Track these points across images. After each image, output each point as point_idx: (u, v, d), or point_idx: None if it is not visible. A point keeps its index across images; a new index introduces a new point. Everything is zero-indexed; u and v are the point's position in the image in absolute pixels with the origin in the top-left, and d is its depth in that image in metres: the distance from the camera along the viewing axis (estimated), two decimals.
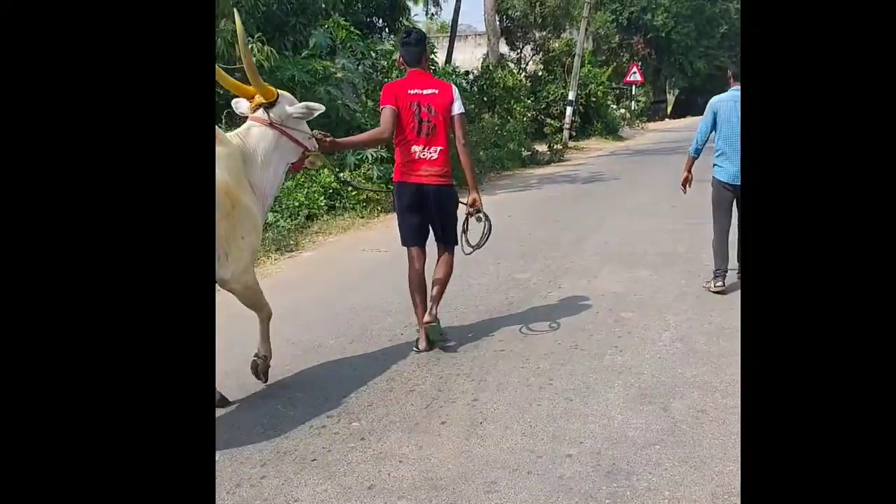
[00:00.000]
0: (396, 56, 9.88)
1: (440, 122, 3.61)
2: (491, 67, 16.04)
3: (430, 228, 3.78)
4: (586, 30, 17.84)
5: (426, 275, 3.82)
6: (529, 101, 16.59)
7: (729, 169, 4.76)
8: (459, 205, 3.83)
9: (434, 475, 2.52)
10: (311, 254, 6.48)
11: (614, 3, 28.50)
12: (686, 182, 5.07)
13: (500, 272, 5.39)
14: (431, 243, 3.86)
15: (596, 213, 7.85)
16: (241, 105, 3.32)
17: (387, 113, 3.57)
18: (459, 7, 17.47)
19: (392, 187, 3.88)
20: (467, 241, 3.86)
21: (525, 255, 5.94)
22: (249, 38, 7.72)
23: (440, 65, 13.38)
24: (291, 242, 6.66)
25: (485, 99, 15.13)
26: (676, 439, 2.72)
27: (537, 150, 14.43)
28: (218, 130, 2.97)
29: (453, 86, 3.78)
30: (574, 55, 17.08)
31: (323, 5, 10.18)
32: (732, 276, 4.95)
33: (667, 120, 30.17)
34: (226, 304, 3.28)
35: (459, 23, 18.61)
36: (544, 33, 18.88)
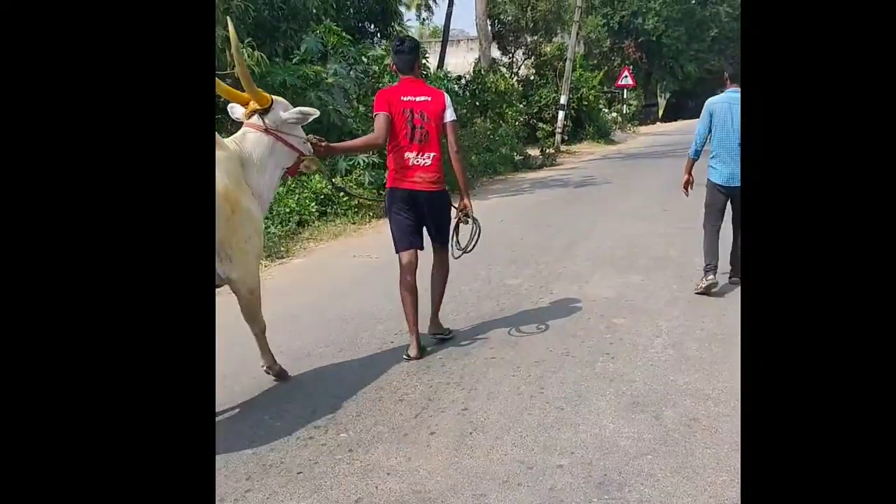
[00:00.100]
0: (388, 61, 9.91)
1: (432, 129, 3.66)
2: (483, 72, 16.04)
3: (425, 231, 3.84)
4: (577, 34, 17.87)
5: (423, 279, 3.86)
6: (521, 106, 16.62)
7: (723, 171, 4.77)
8: (452, 208, 3.90)
9: (422, 488, 2.47)
10: (302, 260, 6.43)
11: (605, 8, 28.60)
12: (687, 184, 5.10)
13: (492, 278, 5.36)
14: (425, 252, 3.89)
15: (588, 218, 7.83)
16: (235, 111, 3.35)
17: (381, 119, 3.61)
18: (451, 12, 17.48)
19: (383, 192, 3.90)
20: (458, 243, 3.92)
21: (517, 260, 5.90)
22: (239, 42, 7.68)
23: (432, 70, 13.34)
24: (282, 249, 6.62)
25: (477, 103, 15.13)
26: (669, 449, 2.69)
27: (529, 155, 14.42)
28: (217, 137, 2.98)
29: (445, 93, 3.82)
30: (566, 59, 17.10)
31: (314, 11, 10.15)
32: (723, 279, 4.95)
33: (658, 123, 30.27)
34: (226, 304, 3.28)
35: (451, 27, 18.62)
36: (536, 38, 18.91)
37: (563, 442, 2.76)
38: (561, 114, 16.83)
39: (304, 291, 5.26)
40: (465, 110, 13.74)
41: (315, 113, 3.34)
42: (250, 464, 2.69)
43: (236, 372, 3.55)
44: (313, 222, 7.68)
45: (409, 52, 3.73)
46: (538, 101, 17.69)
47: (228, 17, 4.16)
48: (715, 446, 2.70)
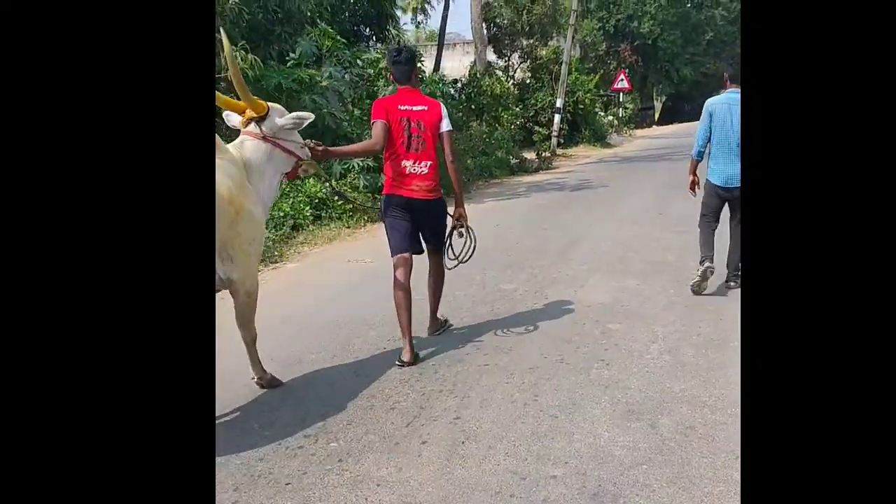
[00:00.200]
0: (383, 64, 9.87)
1: (429, 138, 3.73)
2: (478, 75, 16.00)
3: (420, 237, 3.89)
4: (573, 37, 17.86)
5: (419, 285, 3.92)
6: (517, 109, 16.58)
7: (722, 172, 4.76)
8: (448, 215, 3.98)
9: (413, 499, 2.42)
10: (296, 265, 6.38)
11: (601, 11, 28.65)
12: (693, 185, 5.13)
13: (487, 282, 5.31)
14: (420, 259, 3.92)
15: (584, 222, 7.79)
16: (232, 118, 3.37)
17: (378, 126, 3.68)
18: (447, 15, 17.50)
19: (378, 196, 3.99)
20: (453, 253, 4.02)
21: (512, 264, 5.86)
22: (233, 47, 7.63)
23: (428, 73, 13.31)
24: (276, 254, 6.56)
25: (472, 107, 15.08)
26: (664, 458, 2.64)
27: (525, 158, 14.39)
28: (219, 140, 3.01)
29: (441, 104, 3.90)
30: (561, 63, 17.09)
31: (309, 14, 10.11)
32: (722, 279, 4.92)
33: (654, 127, 30.30)
34: (217, 310, 3.20)
35: (448, 31, 18.63)
36: (532, 41, 18.87)
37: (556, 451, 2.71)
38: (557, 117, 16.80)
39: (297, 296, 5.20)
40: (460, 114, 13.69)
41: (311, 117, 3.38)
42: (238, 474, 2.64)
43: (225, 379, 3.48)
44: (308, 226, 7.63)
45: (407, 63, 3.80)
46: (534, 105, 17.66)
47: (222, 27, 4.13)
48: (712, 455, 2.65)
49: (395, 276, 3.77)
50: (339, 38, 9.62)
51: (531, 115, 17.50)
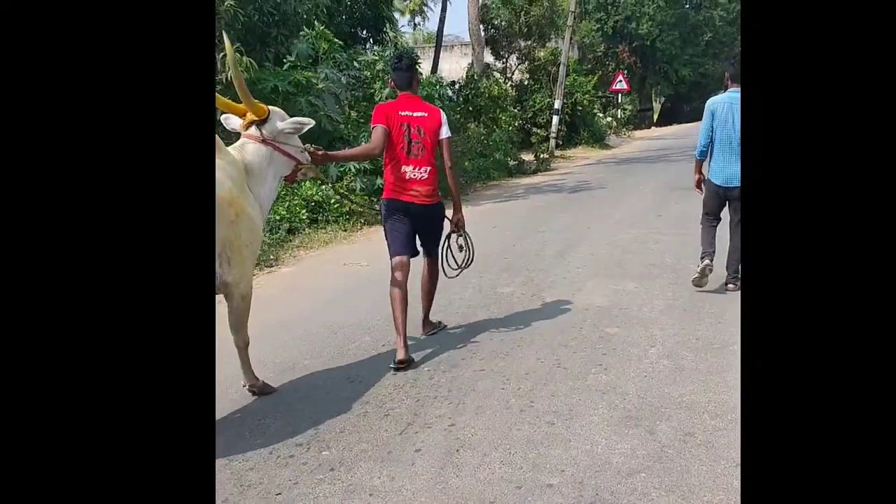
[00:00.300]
0: (380, 66, 9.81)
1: (428, 144, 3.81)
2: (476, 77, 15.95)
3: (418, 240, 3.94)
4: (571, 39, 17.82)
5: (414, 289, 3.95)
6: (515, 111, 16.52)
7: (722, 171, 4.76)
8: (445, 219, 4.04)
9: None
10: (291, 269, 6.32)
11: (599, 13, 28.63)
12: (699, 183, 5.14)
13: (483, 286, 5.25)
14: (415, 262, 3.93)
15: (582, 223, 7.74)
16: (231, 121, 3.38)
17: (378, 131, 3.74)
18: (444, 17, 17.46)
19: (376, 200, 4.07)
20: (454, 260, 4.11)
21: (509, 267, 5.80)
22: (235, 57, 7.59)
23: (425, 75, 13.24)
24: (271, 257, 6.50)
25: (470, 109, 15.02)
26: (663, 466, 2.58)
27: (524, 160, 14.34)
28: (219, 142, 3.03)
29: (441, 111, 3.98)
30: (560, 64, 17.04)
31: (305, 16, 10.05)
32: (716, 284, 4.87)
33: (653, 128, 30.26)
34: (217, 310, 3.16)
35: (446, 33, 18.59)
36: (529, 42, 18.81)
37: (553, 459, 2.65)
38: (555, 118, 16.76)
39: (291, 300, 5.15)
40: (458, 116, 13.64)
41: (311, 123, 3.41)
42: (228, 484, 2.58)
43: (217, 386, 3.43)
44: (304, 230, 7.57)
45: (407, 70, 3.88)
46: (532, 106, 17.61)
47: (224, 31, 4.14)
48: (711, 463, 2.60)
49: (392, 273, 3.83)
50: (335, 40, 9.56)
51: (529, 116, 17.44)
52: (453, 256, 4.11)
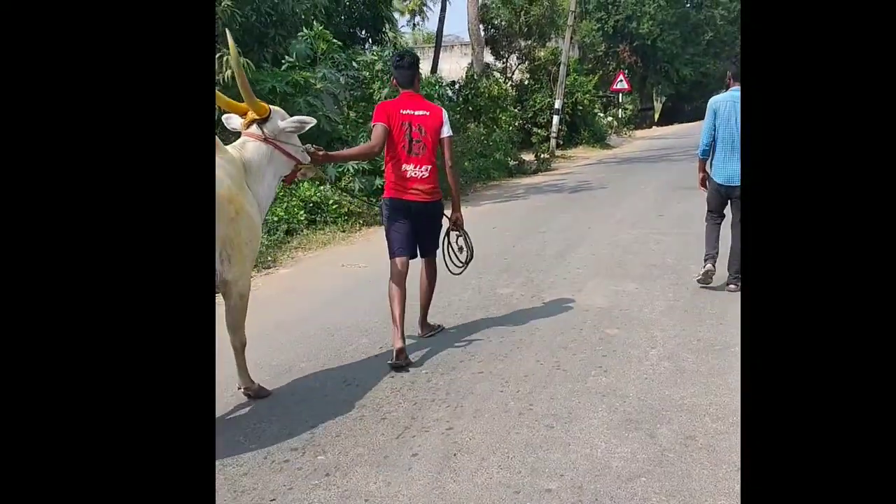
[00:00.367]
0: (379, 67, 9.77)
1: (430, 143, 3.80)
2: (475, 77, 15.90)
3: (416, 240, 3.93)
4: (571, 38, 17.77)
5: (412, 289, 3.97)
6: (516, 110, 16.47)
7: (725, 170, 4.75)
8: (444, 217, 4.04)
9: None
10: (289, 270, 6.28)
11: (600, 12, 28.59)
12: (704, 182, 5.13)
13: (483, 287, 5.21)
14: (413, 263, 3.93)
15: (582, 224, 7.69)
16: (232, 121, 3.37)
17: (378, 129, 3.74)
18: (444, 17, 17.41)
19: (375, 200, 4.11)
20: (456, 257, 4.15)
21: (509, 268, 5.76)
22: (224, 50, 7.56)
23: (425, 75, 13.18)
24: (269, 259, 6.46)
25: (470, 109, 14.98)
26: (664, 470, 2.54)
27: (524, 160, 14.29)
28: (217, 140, 3.00)
29: (443, 110, 3.97)
30: (560, 64, 16.99)
31: (303, 17, 10.00)
32: (718, 285, 4.82)
33: (654, 127, 30.21)
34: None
35: (445, 33, 18.54)
36: (530, 42, 18.76)
37: (552, 463, 2.61)
38: (556, 118, 16.71)
39: (288, 302, 5.11)
40: (458, 116, 13.59)
41: (312, 122, 3.39)
42: (221, 490, 2.53)
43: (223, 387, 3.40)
44: (302, 231, 7.53)
45: (409, 67, 3.87)
46: (533, 106, 17.56)
47: (227, 30, 4.13)
48: (713, 467, 2.55)
49: (391, 272, 3.85)
50: (333, 40, 9.52)
51: (530, 116, 17.39)
52: (455, 254, 4.14)
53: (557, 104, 16.70)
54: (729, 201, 4.86)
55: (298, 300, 5.17)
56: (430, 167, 3.81)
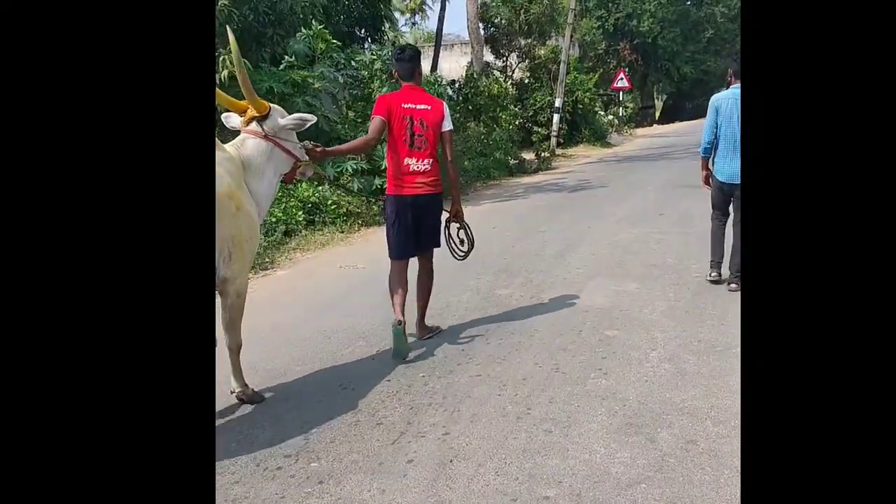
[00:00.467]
0: (378, 66, 9.71)
1: (431, 136, 3.78)
2: (475, 76, 15.83)
3: (416, 237, 3.91)
4: (572, 36, 17.70)
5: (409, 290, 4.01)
6: (516, 109, 16.40)
7: (727, 168, 4.72)
8: (443, 213, 4.02)
9: None
10: (287, 271, 6.22)
11: (600, 10, 28.49)
12: (707, 179, 5.12)
13: (481, 288, 5.15)
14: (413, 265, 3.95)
15: (583, 223, 7.63)
16: (231, 119, 3.36)
17: (377, 122, 3.72)
18: (444, 16, 17.36)
19: (374, 200, 4.11)
20: (458, 248, 4.17)
21: (508, 268, 5.70)
22: (222, 50, 7.51)
23: (425, 75, 13.10)
24: (267, 260, 6.41)
25: (470, 108, 14.91)
26: (664, 476, 2.48)
27: (524, 159, 14.22)
28: (217, 140, 2.98)
29: (444, 103, 3.93)
30: (560, 62, 16.92)
31: (301, 16, 9.94)
32: (719, 285, 4.77)
33: (655, 126, 30.14)
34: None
35: (446, 32, 18.49)
36: (529, 41, 18.69)
37: (550, 469, 2.55)
38: (556, 117, 16.65)
39: (285, 304, 5.05)
40: (458, 115, 13.52)
41: (313, 119, 3.37)
42: None
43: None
44: (300, 231, 7.47)
45: (410, 60, 3.84)
46: (533, 105, 17.48)
47: (226, 28, 4.08)
48: (714, 472, 2.50)
49: (392, 271, 3.89)
50: (332, 40, 9.46)
51: (530, 115, 17.32)
52: (456, 246, 4.17)
53: (558, 103, 16.64)
54: (732, 200, 4.83)
55: (295, 302, 5.12)
56: (431, 161, 3.80)
